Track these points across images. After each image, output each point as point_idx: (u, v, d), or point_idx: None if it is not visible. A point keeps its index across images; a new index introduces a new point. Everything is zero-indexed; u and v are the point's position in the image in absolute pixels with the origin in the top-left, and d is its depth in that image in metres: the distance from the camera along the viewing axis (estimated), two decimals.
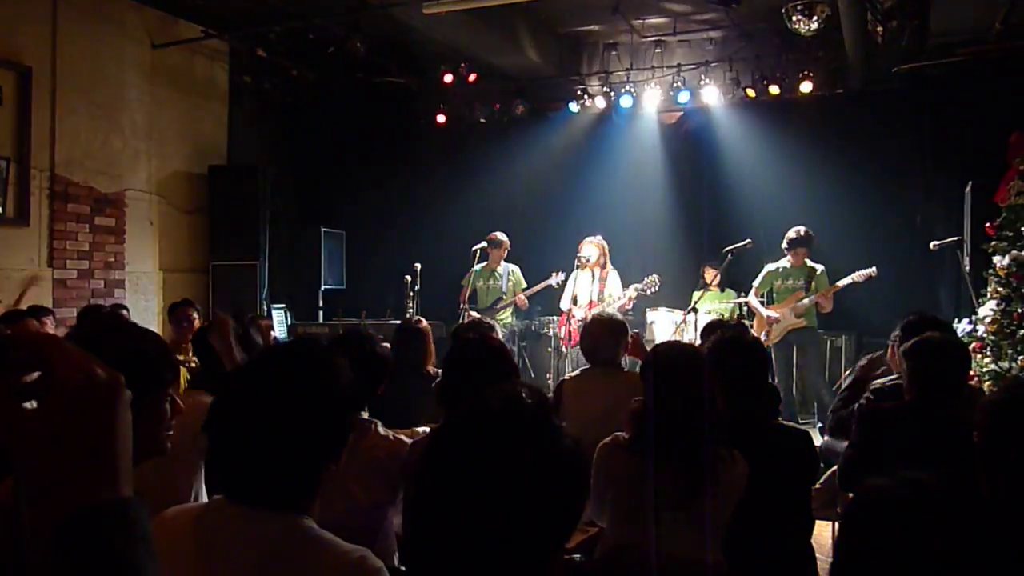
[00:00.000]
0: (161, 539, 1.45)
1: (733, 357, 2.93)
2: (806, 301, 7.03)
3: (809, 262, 7.16)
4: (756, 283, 7.39)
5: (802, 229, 7.11)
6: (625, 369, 4.87)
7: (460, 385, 2.74)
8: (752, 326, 7.49)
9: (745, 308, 8.10)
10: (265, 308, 8.42)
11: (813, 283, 7.08)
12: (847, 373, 7.60)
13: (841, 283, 6.98)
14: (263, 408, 1.46)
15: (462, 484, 1.08)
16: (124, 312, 6.67)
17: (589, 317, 7.41)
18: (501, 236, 8.02)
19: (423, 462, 1.15)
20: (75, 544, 0.71)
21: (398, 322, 5.24)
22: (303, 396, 1.48)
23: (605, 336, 4.16)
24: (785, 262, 7.23)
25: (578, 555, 2.81)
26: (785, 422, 3.08)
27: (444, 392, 2.86)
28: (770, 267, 7.32)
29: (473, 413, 1.16)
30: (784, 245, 7.14)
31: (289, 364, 1.55)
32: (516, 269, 8.09)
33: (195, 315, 6.16)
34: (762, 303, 7.38)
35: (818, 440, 5.41)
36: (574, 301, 7.66)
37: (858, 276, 6.91)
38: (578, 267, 7.59)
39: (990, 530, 1.10)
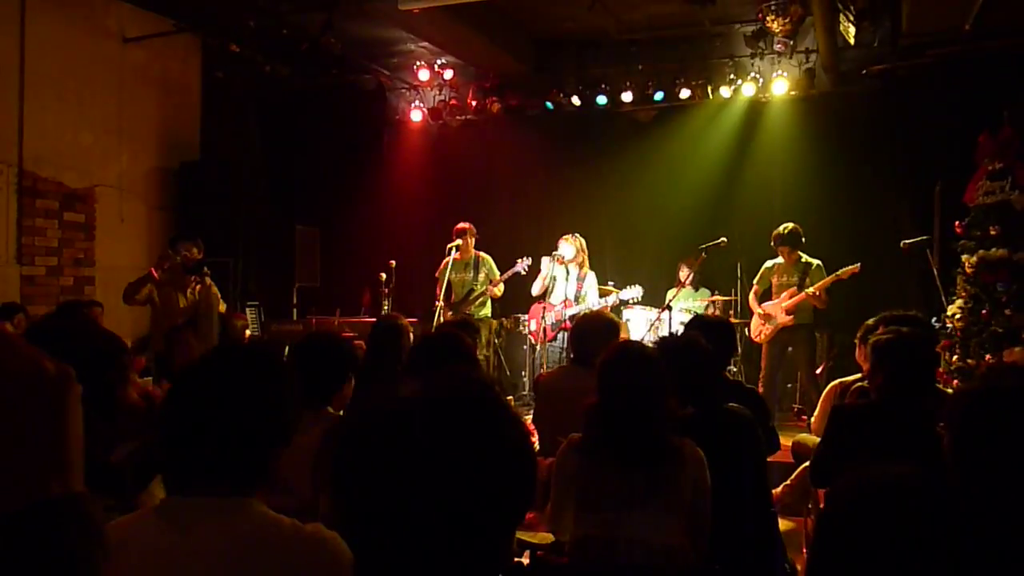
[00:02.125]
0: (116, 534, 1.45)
1: (678, 349, 2.99)
2: (796, 298, 6.90)
3: (805, 257, 7.01)
4: (756, 279, 7.27)
5: (789, 226, 6.97)
6: None
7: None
8: (740, 323, 7.52)
9: (718, 306, 8.15)
10: (239, 306, 8.35)
11: (808, 279, 6.90)
12: (820, 369, 7.69)
13: (826, 281, 6.91)
14: (212, 402, 1.53)
15: (401, 470, 1.08)
16: (98, 309, 6.60)
17: (566, 315, 7.47)
18: (466, 224, 7.96)
19: (365, 450, 1.14)
20: (26, 538, 0.70)
21: (373, 320, 5.23)
22: (247, 389, 1.56)
23: (596, 334, 4.17)
24: (781, 259, 7.10)
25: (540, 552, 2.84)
26: (732, 405, 3.11)
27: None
28: (768, 263, 7.20)
29: (409, 401, 1.16)
30: (772, 243, 7.11)
31: (232, 361, 1.64)
32: (489, 259, 8.02)
33: (195, 250, 6.23)
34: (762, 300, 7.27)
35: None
36: (546, 295, 7.66)
37: (843, 272, 6.84)
38: (554, 262, 7.59)
39: (962, 518, 1.11)
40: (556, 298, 7.66)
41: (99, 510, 0.77)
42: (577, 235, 7.59)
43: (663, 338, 3.16)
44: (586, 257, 7.60)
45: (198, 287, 6.35)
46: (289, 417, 1.62)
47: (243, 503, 1.50)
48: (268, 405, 1.57)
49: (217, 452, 1.51)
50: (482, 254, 7.99)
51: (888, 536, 1.09)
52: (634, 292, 7.53)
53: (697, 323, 4.11)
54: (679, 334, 3.14)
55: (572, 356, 4.27)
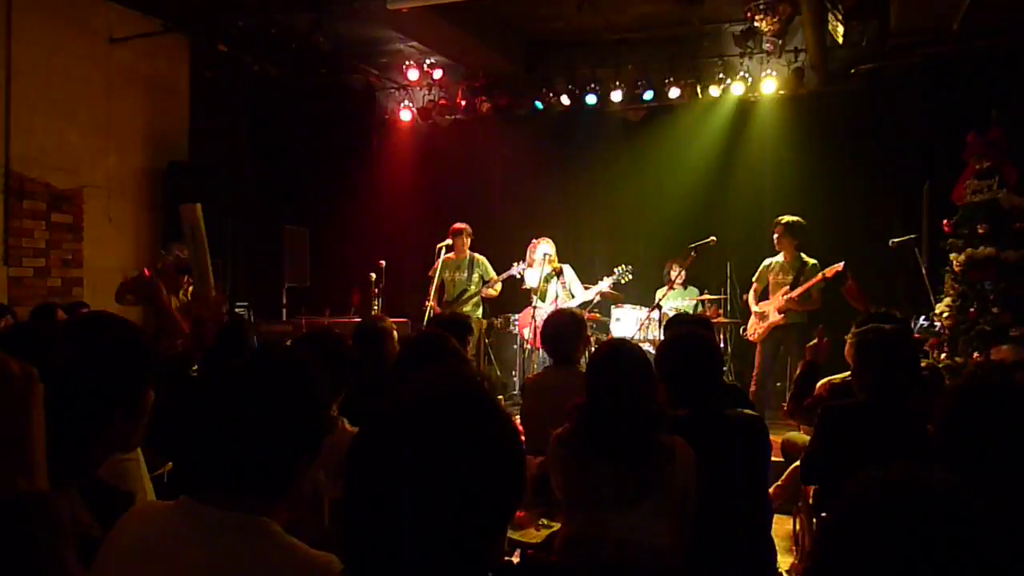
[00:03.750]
0: (128, 533, 1.44)
1: (678, 351, 2.97)
2: (788, 296, 6.91)
3: (803, 256, 7.03)
4: (755, 277, 7.28)
5: (784, 218, 7.00)
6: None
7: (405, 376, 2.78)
8: (729, 322, 7.53)
9: (707, 305, 8.17)
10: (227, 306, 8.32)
11: (802, 278, 6.92)
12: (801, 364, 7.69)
13: (812, 281, 6.91)
14: (243, 412, 1.48)
15: (393, 469, 1.07)
16: (84, 311, 6.56)
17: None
18: (461, 225, 7.97)
19: (355, 449, 1.14)
20: None
21: (362, 320, 5.22)
22: (282, 404, 1.50)
23: (566, 329, 4.20)
24: (780, 256, 7.11)
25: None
26: (741, 410, 3.10)
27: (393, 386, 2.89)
28: (766, 261, 7.22)
29: (400, 399, 1.16)
30: (772, 230, 7.08)
31: (269, 370, 1.57)
32: (483, 259, 8.03)
33: (187, 252, 6.20)
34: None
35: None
36: (542, 298, 7.69)
37: (828, 271, 6.86)
38: (546, 263, 7.62)
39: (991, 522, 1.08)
40: (548, 298, 7.69)
41: (65, 508, 0.77)
42: (547, 238, 7.73)
43: (674, 334, 3.09)
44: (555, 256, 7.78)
45: (190, 288, 6.31)
46: (320, 434, 1.57)
47: (262, 523, 1.44)
48: (301, 421, 1.52)
49: (244, 466, 1.46)
50: (476, 255, 8.00)
51: (920, 540, 1.06)
52: (625, 272, 7.56)
53: (677, 322, 4.12)
54: (688, 333, 3.09)
55: (552, 359, 4.29)
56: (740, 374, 7.76)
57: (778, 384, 7.85)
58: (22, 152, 7.12)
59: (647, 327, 7.58)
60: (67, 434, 1.55)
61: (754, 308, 7.18)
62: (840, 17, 7.37)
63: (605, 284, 7.58)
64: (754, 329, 7.17)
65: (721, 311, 8.10)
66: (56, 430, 1.36)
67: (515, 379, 8.40)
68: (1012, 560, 1.10)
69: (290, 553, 1.43)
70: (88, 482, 1.61)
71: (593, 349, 4.70)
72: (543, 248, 7.62)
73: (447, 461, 1.07)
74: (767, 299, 7.19)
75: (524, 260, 7.84)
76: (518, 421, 4.06)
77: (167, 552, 1.41)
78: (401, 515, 1.06)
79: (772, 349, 7.15)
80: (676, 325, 3.95)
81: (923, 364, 5.04)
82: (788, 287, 6.96)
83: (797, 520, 4.60)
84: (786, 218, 7.03)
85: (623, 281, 7.63)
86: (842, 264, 6.76)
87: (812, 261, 7.01)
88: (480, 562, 1.12)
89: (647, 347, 6.59)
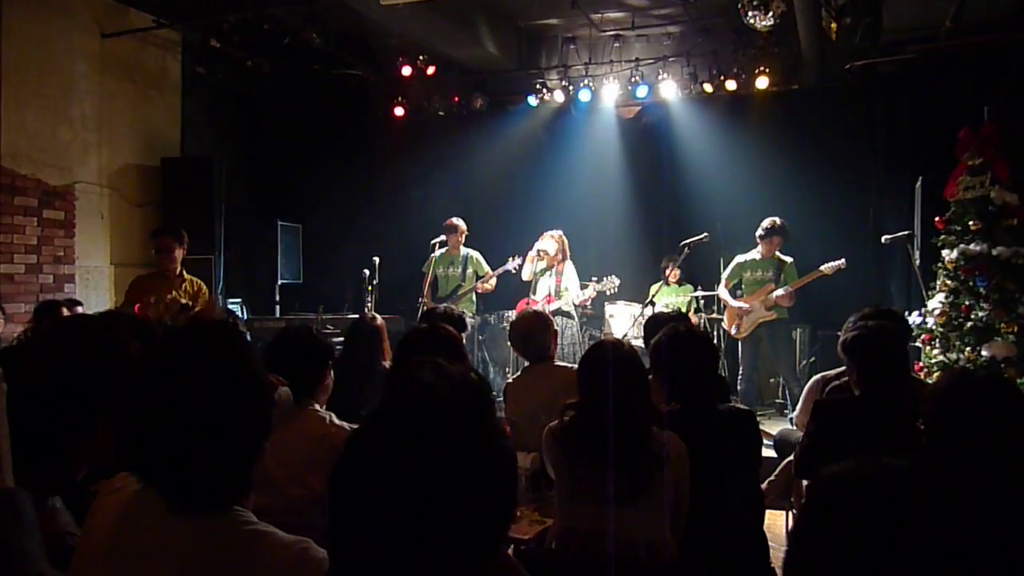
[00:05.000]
0: (100, 524, 1.41)
1: (676, 348, 2.97)
2: (779, 292, 6.91)
3: (779, 254, 7.08)
4: (726, 274, 7.30)
5: (777, 219, 7.02)
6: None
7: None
8: (723, 318, 7.56)
9: (701, 301, 8.17)
10: (221, 303, 8.29)
11: (783, 275, 6.99)
12: (803, 363, 7.73)
13: (809, 277, 6.94)
14: (182, 398, 1.35)
15: (385, 478, 1.06)
16: (78, 308, 6.54)
17: (547, 312, 7.46)
18: (456, 221, 7.94)
19: (346, 455, 1.12)
20: None
21: (356, 316, 5.21)
22: (221, 379, 1.39)
23: (533, 328, 4.23)
24: (755, 253, 7.13)
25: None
26: (733, 405, 3.11)
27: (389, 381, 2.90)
28: (740, 258, 7.23)
29: (396, 401, 1.15)
30: (759, 233, 7.07)
31: (199, 346, 1.44)
32: (476, 255, 8.00)
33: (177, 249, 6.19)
34: (732, 295, 7.32)
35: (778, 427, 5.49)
36: (534, 292, 7.68)
37: (827, 268, 6.86)
38: (538, 259, 7.60)
39: (954, 508, 1.09)
40: (539, 294, 7.68)
41: (31, 504, 0.76)
42: (558, 231, 7.61)
43: (671, 331, 3.07)
44: (566, 254, 7.62)
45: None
46: (268, 409, 1.46)
47: (231, 512, 1.38)
48: (245, 397, 1.40)
49: (195, 459, 1.34)
50: (470, 251, 7.98)
51: (878, 528, 1.07)
52: (611, 283, 7.55)
53: (662, 322, 4.12)
54: (684, 330, 3.08)
55: (526, 359, 4.31)
56: (732, 370, 7.77)
57: (771, 380, 7.88)
58: (13, 148, 7.08)
59: (640, 323, 7.58)
60: (48, 442, 1.48)
61: (733, 304, 7.18)
62: (833, 13, 7.38)
63: (590, 291, 7.56)
64: (738, 325, 7.18)
65: (714, 308, 8.11)
66: (37, 438, 1.31)
67: (509, 375, 8.39)
68: (996, 552, 1.10)
69: (262, 539, 1.37)
70: (72, 489, 1.57)
71: (587, 347, 4.70)
72: (538, 244, 7.60)
73: (438, 463, 1.06)
74: (740, 296, 7.23)
75: (519, 255, 7.83)
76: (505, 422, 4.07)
77: (139, 546, 1.37)
78: (394, 518, 1.05)
79: (757, 345, 7.19)
80: (658, 324, 3.93)
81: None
82: (772, 284, 6.97)
83: (790, 515, 4.61)
84: (776, 221, 7.04)
85: (608, 292, 7.63)
86: (843, 262, 6.78)
87: (789, 259, 7.06)
88: (480, 564, 1.11)
89: (639, 343, 6.60)
